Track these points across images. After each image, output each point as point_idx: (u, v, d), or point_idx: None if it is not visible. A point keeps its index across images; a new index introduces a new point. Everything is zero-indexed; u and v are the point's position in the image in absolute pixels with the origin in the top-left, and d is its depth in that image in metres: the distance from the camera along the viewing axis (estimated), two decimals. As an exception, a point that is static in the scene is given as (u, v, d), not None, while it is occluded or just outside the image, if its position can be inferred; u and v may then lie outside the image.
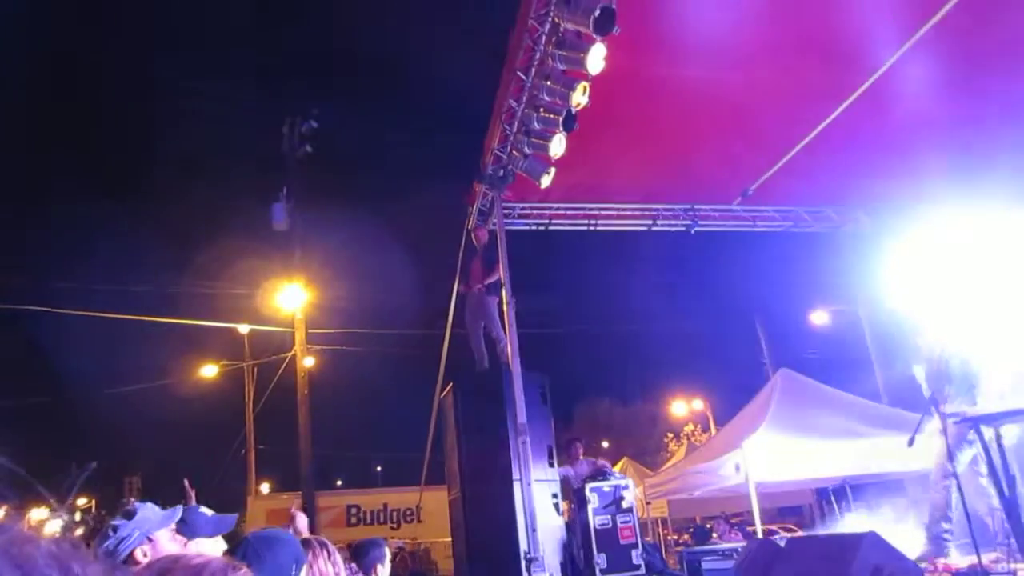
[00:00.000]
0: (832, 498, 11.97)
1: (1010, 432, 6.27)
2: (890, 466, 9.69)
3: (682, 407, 32.27)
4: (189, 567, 1.35)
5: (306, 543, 3.31)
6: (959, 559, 5.89)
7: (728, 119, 7.69)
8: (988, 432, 4.83)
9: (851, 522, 9.36)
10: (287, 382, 17.03)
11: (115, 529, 2.72)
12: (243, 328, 20.33)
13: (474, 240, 8.89)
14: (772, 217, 10.22)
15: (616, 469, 13.83)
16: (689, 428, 29.84)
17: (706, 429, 27.47)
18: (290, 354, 16.83)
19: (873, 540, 4.59)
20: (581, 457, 9.19)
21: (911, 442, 6.43)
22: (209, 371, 21.54)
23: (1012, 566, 5.12)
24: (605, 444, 37.78)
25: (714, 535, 13.52)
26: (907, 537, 6.99)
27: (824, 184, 9.53)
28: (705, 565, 6.98)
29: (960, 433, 5.93)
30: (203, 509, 2.95)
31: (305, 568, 2.37)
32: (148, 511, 2.82)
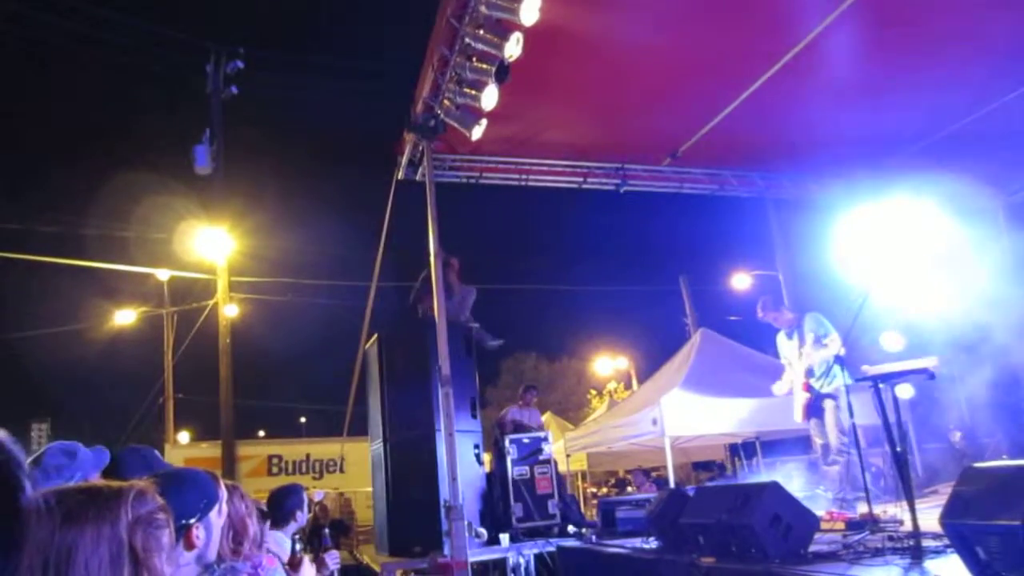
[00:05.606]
0: (742, 453, 12.52)
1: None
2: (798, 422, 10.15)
3: (607, 365, 32.97)
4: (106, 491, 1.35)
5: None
6: (853, 510, 6.27)
7: (661, 79, 7.71)
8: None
9: (759, 475, 9.80)
10: (209, 330, 16.61)
11: (58, 469, 2.60)
12: (163, 274, 19.69)
13: None
14: (699, 179, 10.38)
15: (539, 423, 14.08)
16: (612, 385, 30.52)
17: (629, 387, 28.15)
18: (212, 302, 16.41)
19: (774, 490, 4.81)
20: (533, 406, 9.49)
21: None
22: (126, 317, 20.82)
23: (899, 515, 5.47)
24: (531, 399, 38.28)
25: (630, 488, 13.98)
26: (808, 488, 7.38)
27: (751, 149, 9.71)
28: (619, 514, 7.21)
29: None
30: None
31: (217, 506, 2.32)
32: (85, 452, 2.72)
